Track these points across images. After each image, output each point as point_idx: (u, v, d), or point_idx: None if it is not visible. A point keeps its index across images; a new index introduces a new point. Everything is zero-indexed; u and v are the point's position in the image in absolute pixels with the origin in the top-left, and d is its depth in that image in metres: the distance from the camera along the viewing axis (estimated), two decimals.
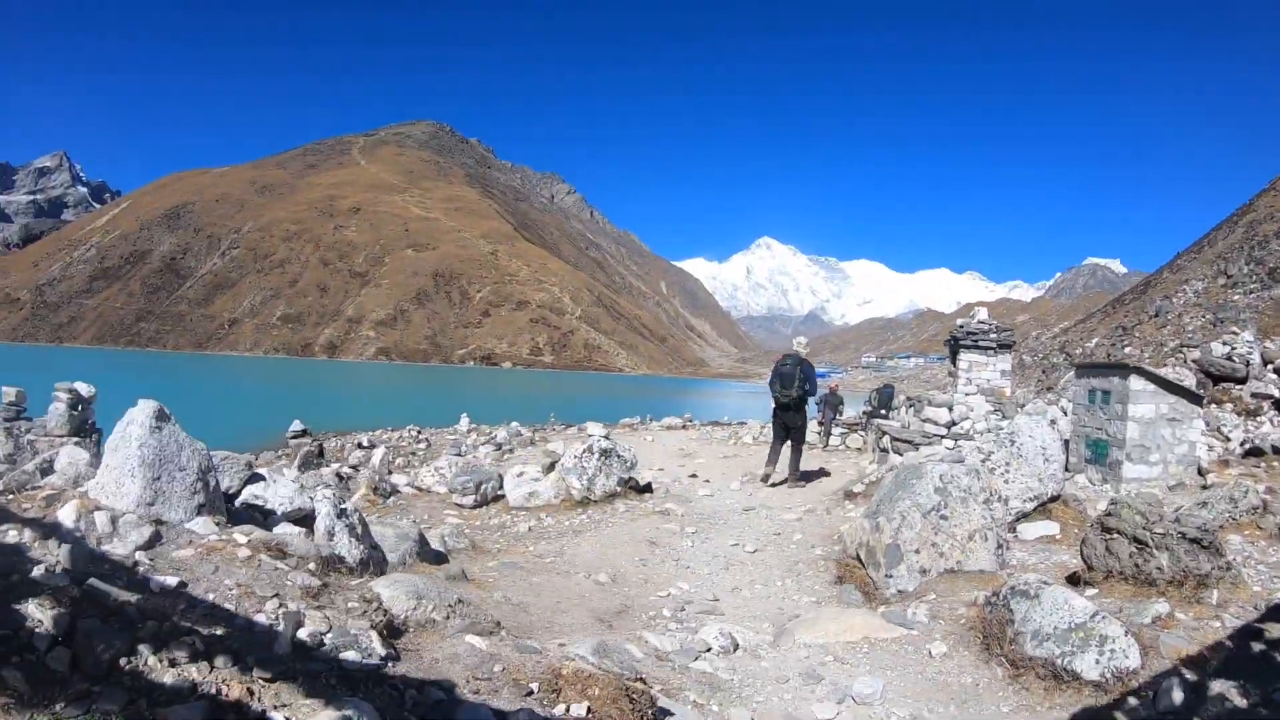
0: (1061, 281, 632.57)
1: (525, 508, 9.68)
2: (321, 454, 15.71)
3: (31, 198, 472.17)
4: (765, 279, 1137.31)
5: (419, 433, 26.69)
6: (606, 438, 10.24)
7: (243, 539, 3.53)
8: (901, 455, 11.27)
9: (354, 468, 16.45)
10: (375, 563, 4.53)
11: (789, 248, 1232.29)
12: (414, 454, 20.73)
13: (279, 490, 4.31)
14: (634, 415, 31.88)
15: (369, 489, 10.61)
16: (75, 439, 6.98)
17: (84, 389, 8.29)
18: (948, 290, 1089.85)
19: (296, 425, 17.43)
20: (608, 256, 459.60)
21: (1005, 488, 7.30)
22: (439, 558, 5.95)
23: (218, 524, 3.70)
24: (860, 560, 6.29)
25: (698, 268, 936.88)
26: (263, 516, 4.21)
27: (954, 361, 13.61)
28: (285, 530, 4.01)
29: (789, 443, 10.59)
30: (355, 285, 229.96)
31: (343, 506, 4.40)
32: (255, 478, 4.35)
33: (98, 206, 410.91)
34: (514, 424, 25.03)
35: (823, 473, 11.81)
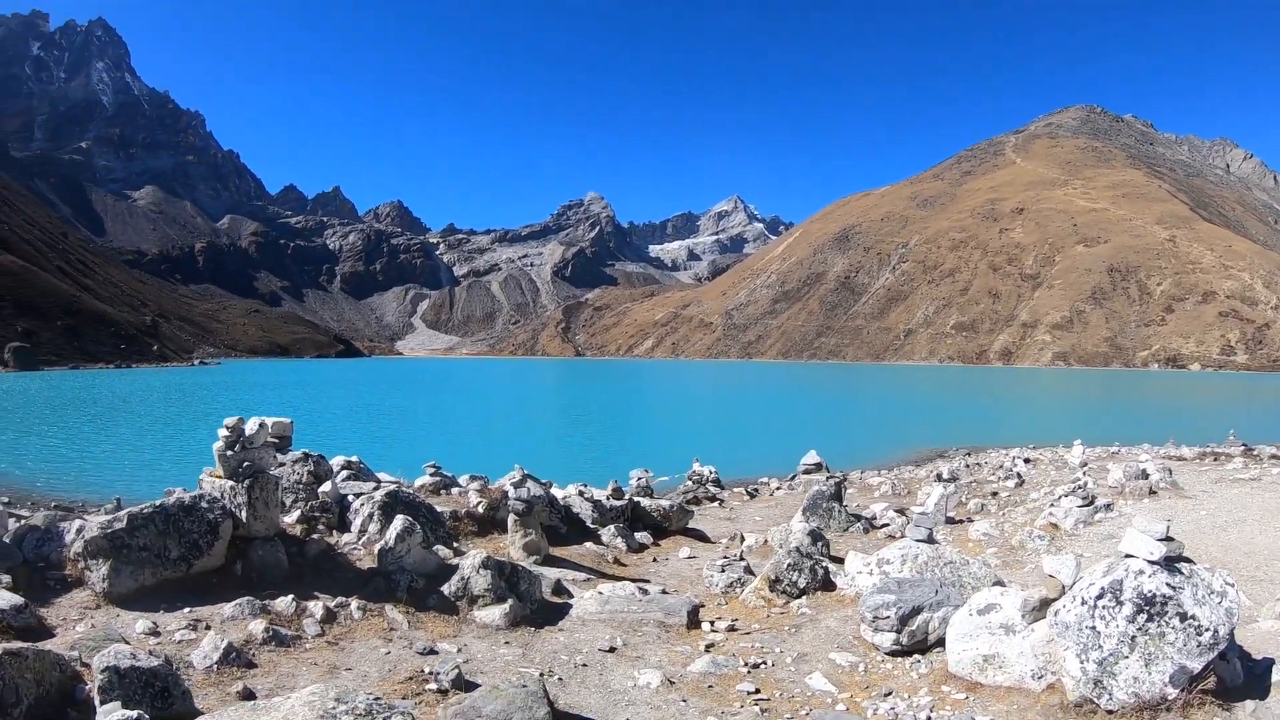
0: None
1: (975, 684, 5.22)
2: (839, 495, 13.22)
3: (715, 237, 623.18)
4: None
5: (1026, 460, 22.11)
6: (1168, 563, 4.66)
7: None
8: None
9: (900, 511, 13.58)
10: None
11: None
12: (994, 495, 16.28)
13: None
14: None
15: (765, 583, 7.67)
16: (231, 483, 5.90)
17: (250, 426, 6.18)
18: None
19: (811, 458, 15.18)
20: None
21: None
22: None
23: None
24: None
25: None
26: None
27: None
28: None
29: None
30: (1027, 288, 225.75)
31: None
32: None
33: (773, 238, 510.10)
34: (1155, 453, 17.58)
35: None
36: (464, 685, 4.63)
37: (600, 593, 8.13)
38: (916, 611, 6.23)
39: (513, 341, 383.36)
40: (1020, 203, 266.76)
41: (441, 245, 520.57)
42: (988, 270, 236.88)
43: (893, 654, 6.05)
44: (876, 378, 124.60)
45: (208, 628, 4.87)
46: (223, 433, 5.93)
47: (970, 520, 13.43)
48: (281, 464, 7.71)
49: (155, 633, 4.69)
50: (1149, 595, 4.51)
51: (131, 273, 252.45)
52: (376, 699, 3.26)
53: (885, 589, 6.59)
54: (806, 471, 15.33)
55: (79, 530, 5.33)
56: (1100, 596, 4.66)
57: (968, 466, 23.66)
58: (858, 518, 13.45)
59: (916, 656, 5.99)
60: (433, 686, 4.44)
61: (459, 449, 29.48)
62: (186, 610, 5.10)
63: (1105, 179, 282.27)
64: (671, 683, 5.19)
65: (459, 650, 5.32)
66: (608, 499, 12.93)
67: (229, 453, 5.90)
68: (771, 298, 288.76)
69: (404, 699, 4.27)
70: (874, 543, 11.18)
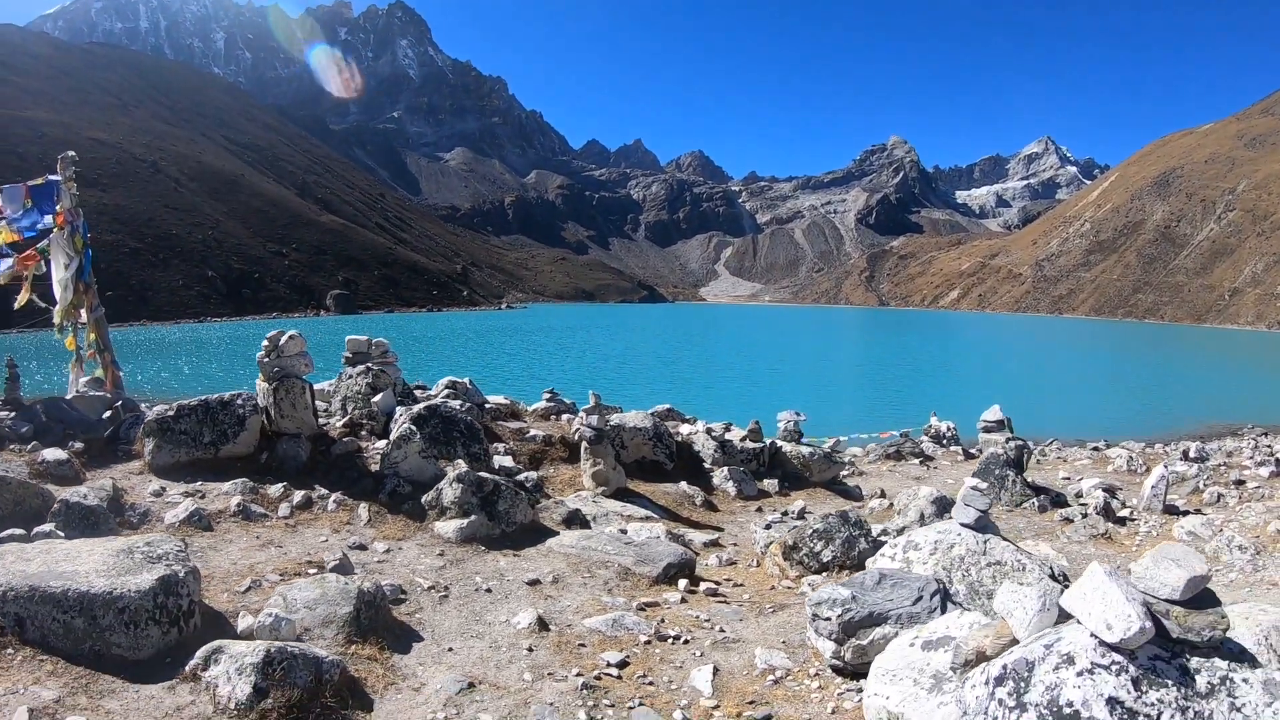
0: None
1: None
2: (1017, 462, 11.48)
3: (1025, 182, 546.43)
4: None
5: None
6: (1154, 657, 3.22)
7: None
8: None
9: (1109, 491, 11.49)
10: None
11: None
12: (1238, 484, 13.25)
13: None
14: None
15: (780, 549, 6.94)
16: (266, 385, 7.17)
17: (284, 338, 7.37)
18: None
19: (992, 414, 12.80)
20: None
21: None
22: None
23: None
24: None
25: None
26: None
27: None
28: None
29: None
30: None
31: None
32: None
33: (1087, 183, 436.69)
34: None
35: None
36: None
37: (623, 530, 8.01)
38: (875, 621, 4.92)
39: (816, 290, 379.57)
40: None
41: (743, 193, 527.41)
42: None
43: (836, 669, 4.84)
44: (1194, 341, 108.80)
45: (202, 496, 6.14)
46: (265, 344, 7.24)
47: (1196, 512, 10.76)
48: (350, 376, 9.11)
49: (160, 494, 6.08)
50: (1066, 711, 2.72)
51: (445, 226, 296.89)
52: (180, 550, 3.95)
53: (850, 582, 5.58)
54: (985, 430, 13.29)
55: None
56: (1000, 680, 3.06)
57: (1256, 446, 19.79)
58: (1039, 491, 11.36)
59: (860, 682, 4.83)
60: (313, 572, 5.08)
61: (684, 390, 31.50)
62: (199, 483, 6.46)
63: None
64: (545, 629, 4.94)
65: (386, 550, 5.87)
66: (741, 440, 12.39)
67: (265, 360, 7.19)
68: (1085, 248, 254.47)
69: (280, 575, 4.99)
70: (1044, 526, 9.49)
